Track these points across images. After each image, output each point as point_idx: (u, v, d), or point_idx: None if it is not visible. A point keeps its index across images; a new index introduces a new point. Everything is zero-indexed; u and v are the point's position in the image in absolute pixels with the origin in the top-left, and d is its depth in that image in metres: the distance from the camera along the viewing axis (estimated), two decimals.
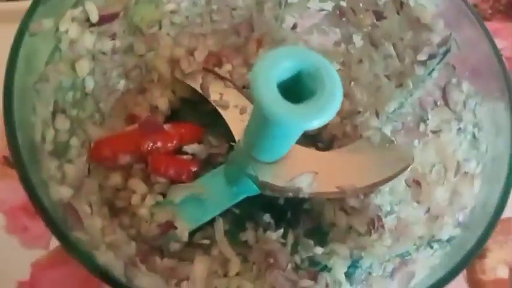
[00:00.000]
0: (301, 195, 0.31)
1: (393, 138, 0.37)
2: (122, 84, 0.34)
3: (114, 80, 0.34)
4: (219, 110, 0.37)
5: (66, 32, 0.27)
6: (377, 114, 0.38)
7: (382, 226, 0.35)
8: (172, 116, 0.39)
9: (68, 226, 0.23)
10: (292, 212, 0.37)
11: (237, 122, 0.37)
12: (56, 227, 0.22)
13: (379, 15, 0.34)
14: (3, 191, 0.37)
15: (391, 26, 0.34)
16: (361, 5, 0.34)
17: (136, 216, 0.33)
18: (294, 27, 0.39)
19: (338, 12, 0.36)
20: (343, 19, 0.36)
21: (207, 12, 0.37)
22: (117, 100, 0.34)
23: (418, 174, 0.34)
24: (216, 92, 0.38)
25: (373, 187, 0.33)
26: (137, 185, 0.34)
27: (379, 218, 0.35)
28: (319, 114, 0.24)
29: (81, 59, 0.28)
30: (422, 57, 0.32)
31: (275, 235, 0.35)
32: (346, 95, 0.39)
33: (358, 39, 0.37)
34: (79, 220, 0.24)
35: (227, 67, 0.39)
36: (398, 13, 0.33)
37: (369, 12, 0.34)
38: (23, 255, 0.35)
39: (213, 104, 0.38)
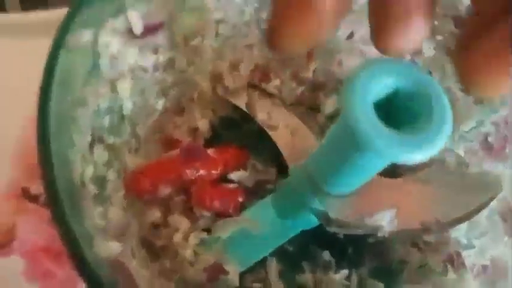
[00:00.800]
0: (379, 234, 0.26)
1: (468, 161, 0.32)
2: (160, 104, 0.30)
3: (153, 100, 0.29)
4: (268, 131, 0.33)
5: (107, 45, 0.22)
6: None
7: (463, 264, 0.30)
8: (212, 138, 0.35)
9: None
10: (355, 248, 0.32)
11: (288, 145, 0.32)
12: None
13: (459, 22, 0.29)
14: (22, 230, 0.32)
15: None
16: (437, 10, 0.29)
17: (179, 258, 0.29)
18: (351, 36, 0.34)
19: None
20: None
21: (254, 21, 0.32)
22: (154, 122, 0.30)
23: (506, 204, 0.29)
24: (264, 111, 0.34)
25: (459, 222, 0.28)
26: (179, 220, 0.29)
27: (458, 254, 0.30)
28: (426, 146, 0.19)
29: (123, 77, 0.24)
30: None
31: (338, 276, 0.30)
32: None
33: (428, 49, 0.32)
34: (131, 281, 0.19)
35: (275, 82, 0.34)
36: None
37: (448, 18, 0.29)
38: None
39: (261, 124, 0.33)
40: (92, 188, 0.21)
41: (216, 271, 0.28)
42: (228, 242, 0.30)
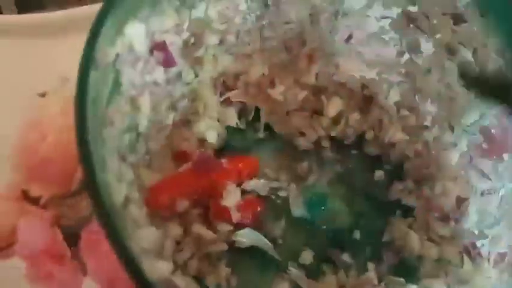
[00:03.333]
0: None
1: None
2: (170, 118, 0.29)
3: (164, 114, 0.29)
4: None
5: (126, 62, 0.22)
6: (451, 128, 0.34)
7: (479, 254, 0.31)
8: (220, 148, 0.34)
9: None
10: (372, 247, 0.33)
11: None
12: None
13: (458, 19, 0.30)
14: (23, 233, 0.30)
15: (471, 31, 0.30)
16: (436, 8, 0.30)
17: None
18: (349, 38, 0.35)
19: (405, 19, 0.32)
20: (411, 26, 0.32)
21: (256, 29, 0.32)
22: (166, 137, 0.29)
23: None
24: None
25: None
26: (202, 233, 0.29)
27: (474, 245, 0.31)
28: None
29: (142, 93, 0.23)
30: None
31: (364, 277, 0.30)
32: (411, 109, 0.35)
33: (427, 47, 0.33)
34: None
35: (280, 88, 0.34)
36: (482, 16, 0.29)
37: (447, 16, 0.30)
38: None
39: None
40: (132, 209, 0.20)
41: None
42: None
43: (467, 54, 0.31)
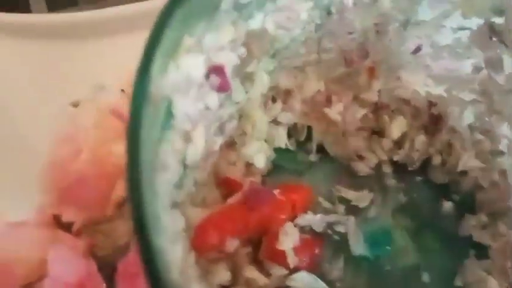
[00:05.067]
0: None
1: None
2: (218, 143, 0.26)
3: (212, 140, 0.25)
4: None
5: (178, 90, 0.18)
6: None
7: None
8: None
9: None
10: None
11: None
12: None
13: None
14: (54, 265, 0.26)
15: None
16: None
17: None
18: (417, 50, 0.31)
19: (487, 31, 0.28)
20: (493, 39, 0.28)
21: (314, 39, 0.28)
22: (213, 165, 0.26)
23: None
24: None
25: None
26: (255, 277, 0.25)
27: None
28: None
29: (197, 124, 0.19)
30: None
31: None
32: (485, 132, 0.31)
33: (510, 64, 0.28)
34: None
35: (338, 107, 0.30)
36: None
37: None
38: None
39: None
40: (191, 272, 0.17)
41: None
42: None
43: None
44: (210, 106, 0.21)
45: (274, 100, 0.31)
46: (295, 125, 0.31)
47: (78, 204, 0.27)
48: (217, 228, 0.24)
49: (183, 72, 0.17)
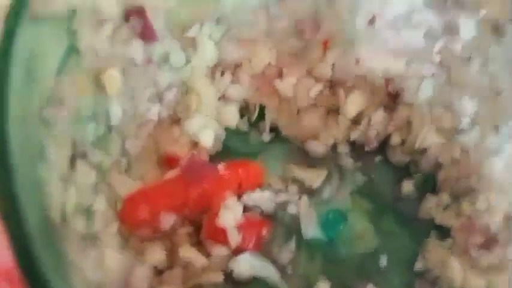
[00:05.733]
0: None
1: None
2: (154, 112, 0.23)
3: (145, 106, 0.22)
4: None
5: (85, 23, 0.16)
6: (496, 130, 0.28)
7: None
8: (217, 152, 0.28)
9: None
10: (402, 277, 0.26)
11: None
12: None
13: None
14: None
15: None
16: None
17: None
18: (372, 21, 0.29)
19: None
20: (448, 3, 0.27)
21: (262, 6, 0.26)
22: (148, 136, 0.23)
23: None
24: None
25: None
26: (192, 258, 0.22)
27: None
28: None
29: (110, 68, 0.17)
30: None
31: None
32: (446, 107, 0.29)
33: (467, 29, 0.27)
34: None
35: (290, 80, 0.28)
36: None
37: None
38: None
39: None
40: (77, 224, 0.14)
41: None
42: None
43: None
44: (135, 58, 0.19)
45: (223, 74, 0.29)
46: (246, 104, 0.29)
47: None
48: (149, 203, 0.22)
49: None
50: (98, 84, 0.17)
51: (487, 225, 0.26)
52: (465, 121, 0.29)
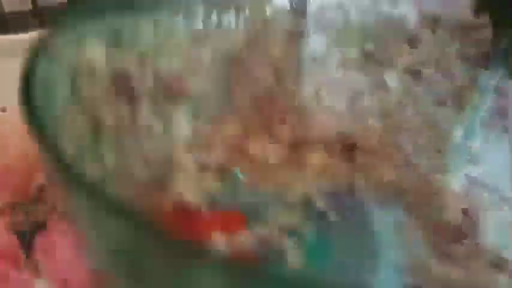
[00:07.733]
0: None
1: None
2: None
3: None
4: None
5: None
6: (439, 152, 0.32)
7: None
8: None
9: None
10: None
11: None
12: None
13: (413, 42, 0.31)
14: None
15: (427, 50, 0.31)
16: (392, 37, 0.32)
17: None
18: (317, 92, 0.35)
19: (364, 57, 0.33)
20: (371, 62, 0.33)
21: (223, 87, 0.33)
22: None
23: None
24: None
25: None
26: None
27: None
28: None
29: None
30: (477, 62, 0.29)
31: None
32: (395, 147, 0.34)
33: (391, 79, 0.33)
34: None
35: (256, 145, 0.33)
36: (433, 32, 0.31)
37: (402, 40, 0.32)
38: None
39: None
40: None
41: None
42: None
43: (431, 72, 0.31)
44: None
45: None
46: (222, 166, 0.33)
47: (4, 189, 0.33)
48: None
49: None
50: None
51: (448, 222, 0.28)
52: (414, 154, 0.33)
